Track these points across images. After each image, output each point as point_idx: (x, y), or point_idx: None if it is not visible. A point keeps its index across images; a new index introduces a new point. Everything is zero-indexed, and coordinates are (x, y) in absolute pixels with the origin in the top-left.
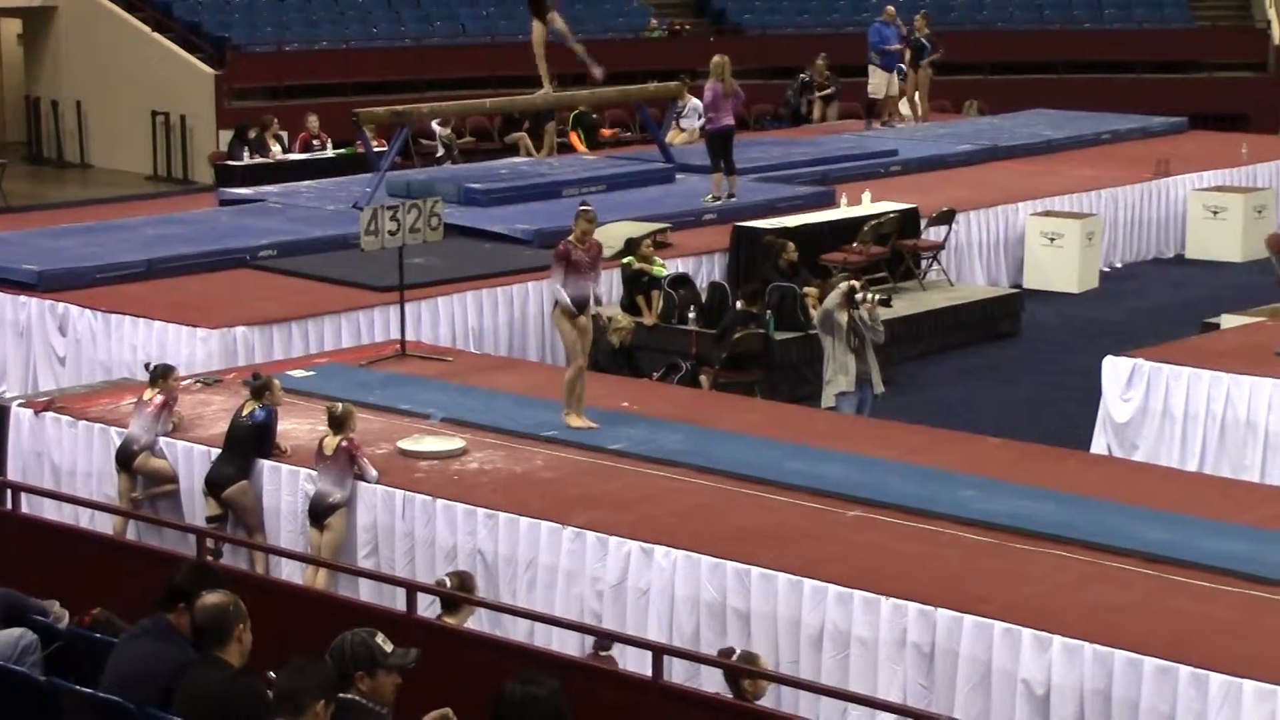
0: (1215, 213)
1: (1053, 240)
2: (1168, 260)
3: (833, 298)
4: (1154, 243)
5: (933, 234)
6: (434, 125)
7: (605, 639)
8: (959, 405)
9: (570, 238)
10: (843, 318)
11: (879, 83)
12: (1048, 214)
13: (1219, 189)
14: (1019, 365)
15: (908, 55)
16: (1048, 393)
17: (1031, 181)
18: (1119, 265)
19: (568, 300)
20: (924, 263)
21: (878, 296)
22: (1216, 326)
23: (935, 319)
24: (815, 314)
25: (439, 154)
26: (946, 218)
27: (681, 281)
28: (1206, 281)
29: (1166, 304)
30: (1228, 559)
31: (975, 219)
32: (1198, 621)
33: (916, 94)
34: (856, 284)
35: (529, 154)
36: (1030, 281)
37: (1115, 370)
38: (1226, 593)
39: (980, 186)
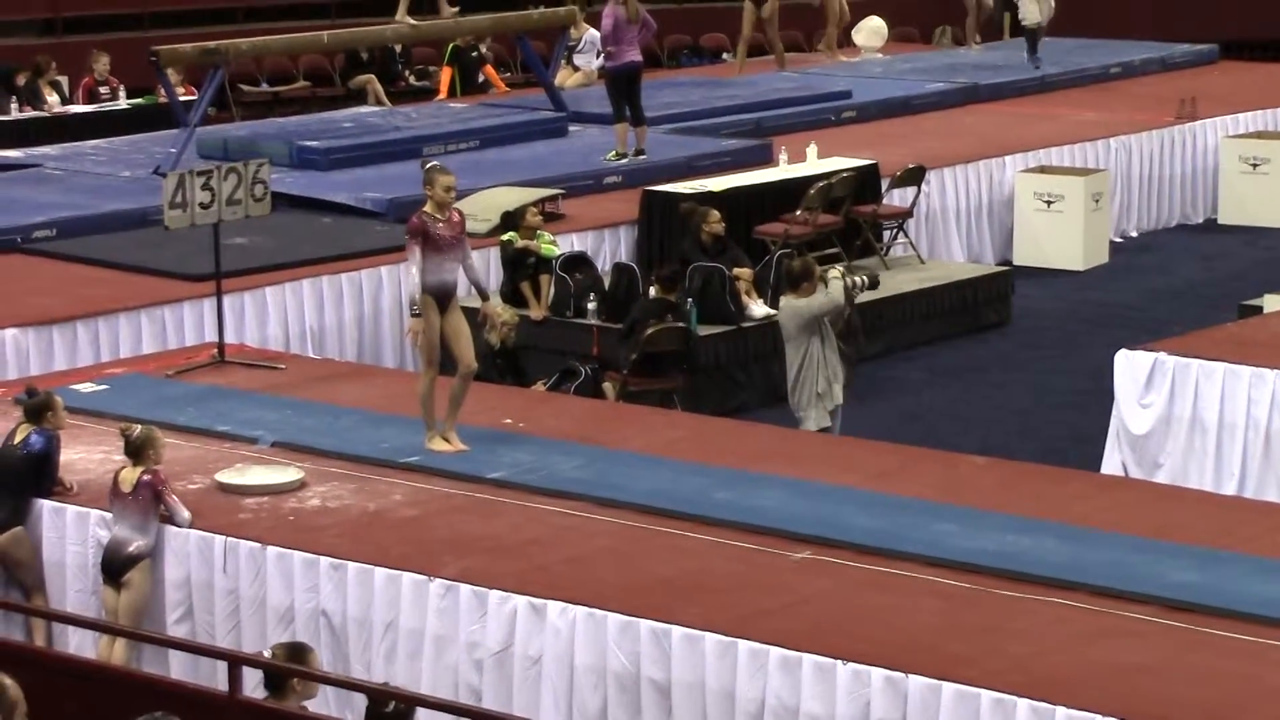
0: (1255, 165)
1: (1050, 204)
2: (1196, 227)
3: (828, 302)
4: (1178, 205)
5: (897, 198)
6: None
7: None
8: (933, 415)
9: (425, 208)
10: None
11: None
12: (1043, 170)
13: (1259, 135)
14: (1009, 363)
15: None
16: (1046, 398)
17: (1022, 129)
18: (1134, 234)
19: (416, 290)
20: (887, 234)
21: (864, 280)
22: (1259, 310)
23: (902, 306)
24: (791, 311)
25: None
26: (915, 177)
27: (578, 263)
28: (1245, 253)
29: (1195, 282)
30: (1277, 606)
31: (951, 178)
32: (1241, 686)
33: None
34: (840, 274)
35: (379, 102)
36: (1022, 257)
37: (1131, 368)
38: (1277, 648)
39: (957, 136)
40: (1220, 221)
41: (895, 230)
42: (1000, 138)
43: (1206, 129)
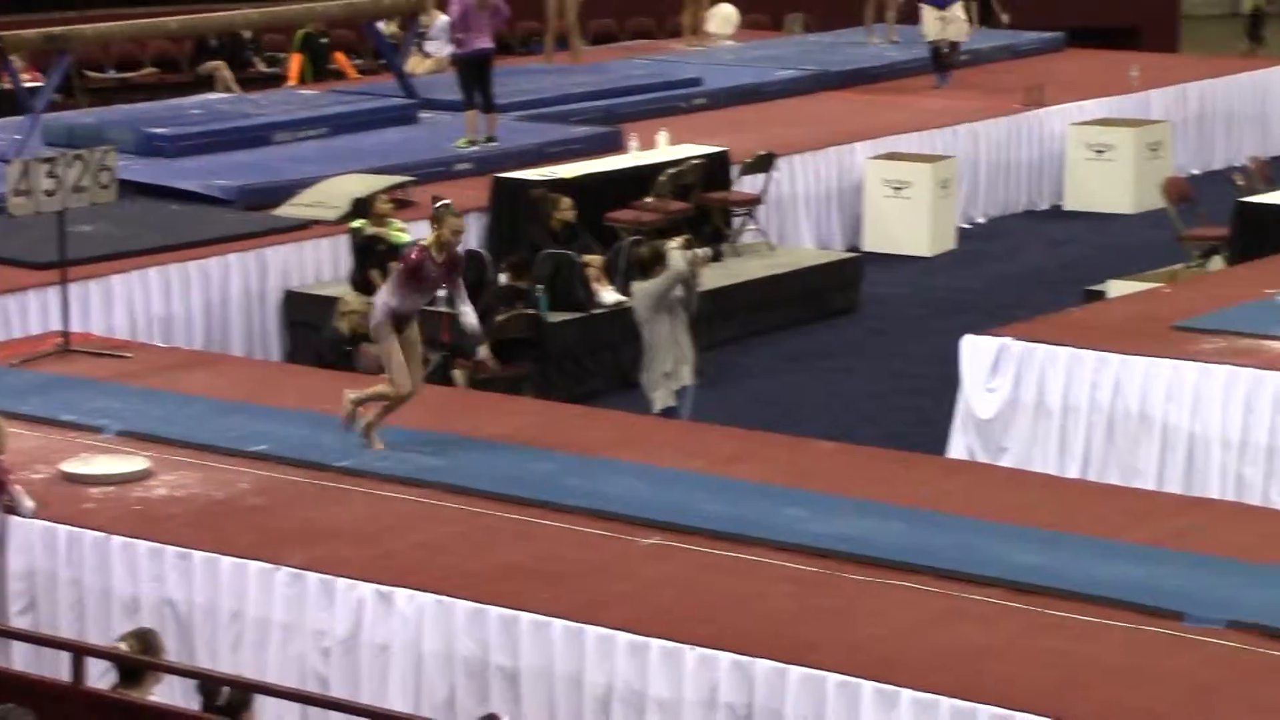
0: (1100, 152)
1: (898, 190)
2: (1042, 213)
3: (671, 274)
4: (1025, 191)
5: (747, 184)
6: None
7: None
8: (782, 401)
9: (428, 244)
10: (680, 291)
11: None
12: (891, 157)
13: (1104, 122)
14: (857, 350)
15: None
16: (893, 383)
17: (871, 116)
18: (981, 220)
19: (383, 322)
20: (736, 221)
21: (705, 252)
22: (1103, 295)
23: (752, 292)
24: (639, 292)
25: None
26: (764, 164)
27: None
28: (1090, 239)
29: (1041, 268)
30: (1118, 587)
31: (800, 164)
32: (1082, 666)
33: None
34: (680, 244)
35: (228, 89)
36: (871, 243)
37: (977, 353)
38: (1117, 629)
39: (806, 123)
40: (1066, 208)
41: (745, 217)
42: (850, 124)
43: (1053, 116)
